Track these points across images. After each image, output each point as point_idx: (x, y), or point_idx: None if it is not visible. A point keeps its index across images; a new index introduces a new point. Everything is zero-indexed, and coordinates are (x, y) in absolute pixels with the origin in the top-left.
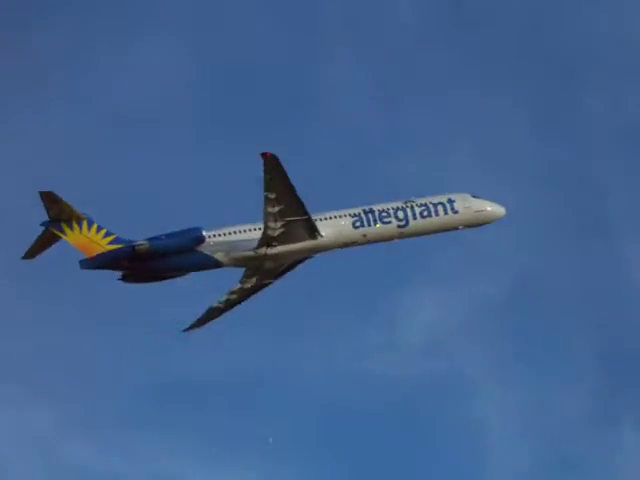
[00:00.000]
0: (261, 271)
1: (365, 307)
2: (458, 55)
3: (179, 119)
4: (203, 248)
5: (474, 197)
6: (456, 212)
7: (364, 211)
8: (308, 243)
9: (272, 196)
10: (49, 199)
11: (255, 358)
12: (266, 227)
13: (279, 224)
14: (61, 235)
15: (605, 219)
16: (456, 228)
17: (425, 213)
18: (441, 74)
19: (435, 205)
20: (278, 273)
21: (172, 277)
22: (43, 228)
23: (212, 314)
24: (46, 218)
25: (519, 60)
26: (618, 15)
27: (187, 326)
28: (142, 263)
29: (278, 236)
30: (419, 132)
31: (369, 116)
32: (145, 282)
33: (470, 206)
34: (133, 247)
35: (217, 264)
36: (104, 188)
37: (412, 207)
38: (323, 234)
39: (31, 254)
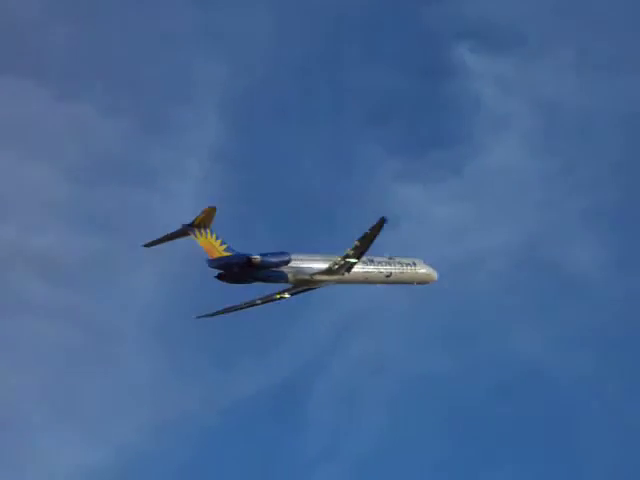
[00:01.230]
0: (298, 289)
1: None
2: None
3: None
4: (284, 268)
5: (424, 263)
6: (416, 272)
7: (369, 260)
8: (340, 277)
9: (358, 244)
10: (209, 212)
11: None
12: (334, 263)
13: (342, 262)
14: (194, 237)
15: None
16: (412, 283)
17: (401, 269)
18: None
19: (406, 264)
20: (300, 292)
21: (252, 283)
22: (179, 226)
23: (228, 310)
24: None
25: None
26: None
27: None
28: (247, 270)
29: (333, 269)
30: None
31: None
32: (233, 283)
33: (423, 269)
34: (249, 258)
35: (286, 280)
36: None
37: (394, 263)
38: (347, 273)
39: (153, 244)
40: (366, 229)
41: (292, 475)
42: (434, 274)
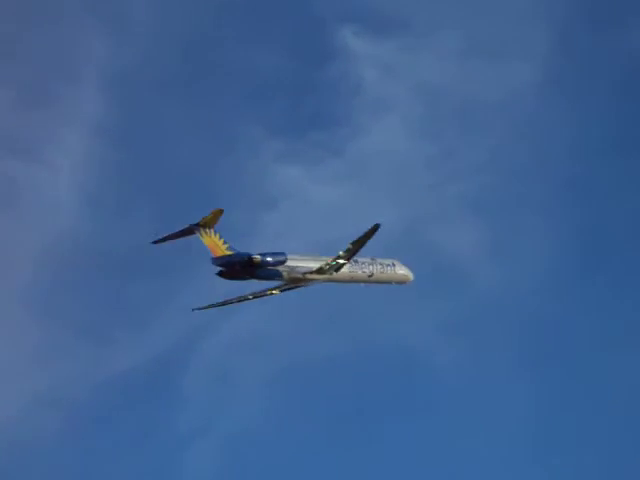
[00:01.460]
0: (289, 286)
1: None
2: None
3: None
4: (280, 267)
5: (401, 264)
6: (395, 273)
7: (355, 261)
8: (329, 277)
9: (350, 247)
10: (215, 214)
11: None
12: (326, 263)
13: (333, 263)
14: (199, 235)
15: None
16: (390, 283)
17: (381, 270)
18: None
19: (386, 265)
20: (289, 289)
21: (250, 279)
22: (187, 225)
23: (222, 304)
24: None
25: None
26: None
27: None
28: (247, 268)
29: (324, 269)
30: None
31: None
32: (231, 279)
33: (402, 270)
34: (250, 257)
35: (281, 278)
36: None
37: (375, 264)
38: (335, 273)
39: (161, 241)
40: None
41: (165, 451)
42: (411, 275)
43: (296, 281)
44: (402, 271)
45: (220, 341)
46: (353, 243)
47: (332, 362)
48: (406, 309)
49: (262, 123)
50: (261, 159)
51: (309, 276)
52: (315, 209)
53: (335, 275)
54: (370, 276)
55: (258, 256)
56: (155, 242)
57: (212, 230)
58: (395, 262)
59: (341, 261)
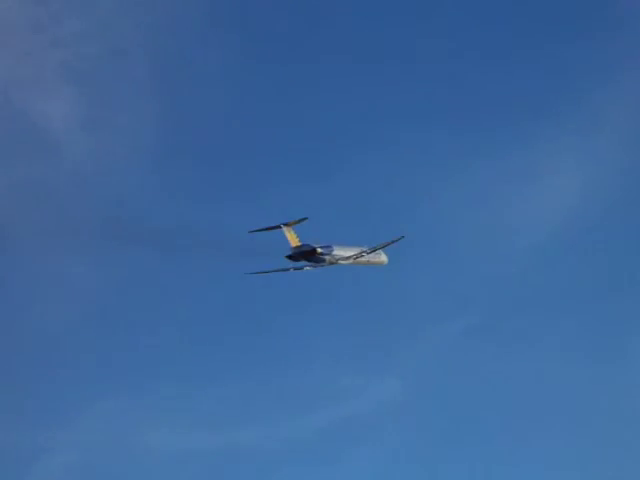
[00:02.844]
0: (317, 265)
1: None
2: None
3: None
4: (326, 255)
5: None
6: (379, 258)
7: (362, 250)
8: (352, 262)
9: (376, 247)
10: (299, 221)
11: None
12: (355, 254)
13: (360, 254)
14: (285, 231)
15: None
16: (375, 265)
17: (374, 256)
18: None
19: (375, 253)
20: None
21: (303, 261)
22: (281, 224)
23: (271, 271)
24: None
25: None
26: None
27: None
28: (309, 255)
29: (351, 257)
30: None
31: None
32: (294, 261)
33: (383, 256)
34: (314, 248)
35: (324, 262)
36: None
37: (370, 252)
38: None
39: (256, 231)
40: None
41: None
42: (386, 259)
43: (330, 263)
44: (383, 257)
45: None
46: (380, 246)
47: None
48: None
49: None
50: None
51: (340, 261)
52: None
53: (354, 261)
54: (367, 260)
55: (320, 248)
56: (251, 232)
57: (292, 228)
58: (381, 252)
59: (365, 254)
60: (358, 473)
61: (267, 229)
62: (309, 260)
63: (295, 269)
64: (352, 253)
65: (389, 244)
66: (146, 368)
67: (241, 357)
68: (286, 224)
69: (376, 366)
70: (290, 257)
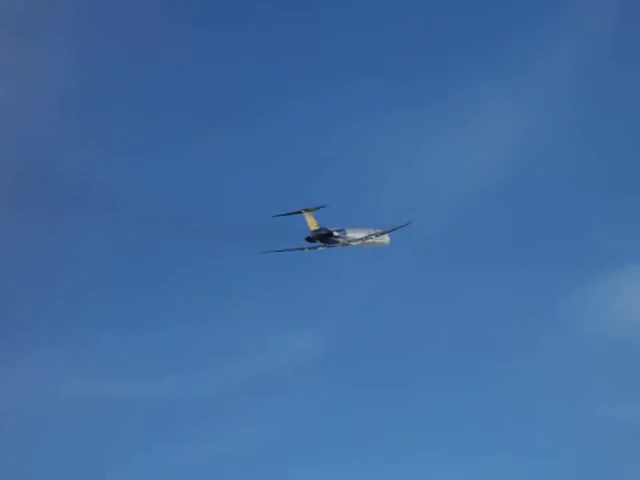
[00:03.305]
0: (330, 245)
1: None
2: None
3: None
4: (341, 238)
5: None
6: (383, 239)
7: (368, 233)
8: (361, 243)
9: (385, 230)
10: (317, 208)
11: None
12: (365, 237)
13: (369, 237)
14: (306, 215)
15: None
16: (379, 245)
17: (378, 238)
18: None
19: (379, 235)
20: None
21: (318, 242)
22: (301, 209)
23: (284, 250)
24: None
25: None
26: None
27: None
28: (325, 237)
29: (361, 239)
30: None
31: None
32: (314, 246)
33: (386, 238)
34: (331, 232)
35: (337, 244)
36: None
37: (376, 234)
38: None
39: (280, 215)
40: None
41: None
42: (388, 240)
43: (343, 245)
44: (386, 238)
45: None
46: (387, 230)
47: None
48: None
49: None
50: None
51: (351, 243)
52: None
53: (363, 242)
54: (374, 242)
55: (336, 232)
56: (275, 216)
57: (312, 214)
58: (385, 233)
59: (373, 237)
60: (274, 426)
61: (292, 213)
62: (325, 242)
63: (310, 249)
64: (362, 235)
65: (396, 229)
66: (67, 316)
67: (165, 309)
68: (307, 210)
69: (300, 319)
70: (308, 239)
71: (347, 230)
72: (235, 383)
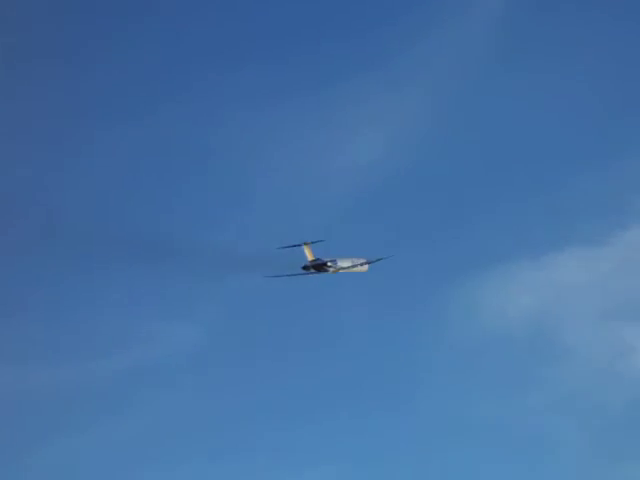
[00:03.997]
0: (320, 272)
1: None
2: None
3: None
4: (331, 267)
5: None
6: (364, 267)
7: (354, 261)
8: (347, 270)
9: (372, 260)
10: (315, 242)
11: None
12: (351, 265)
13: (354, 265)
14: (305, 248)
15: None
16: (359, 271)
17: (361, 266)
18: None
19: (361, 264)
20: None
21: (312, 271)
22: (303, 242)
23: (283, 275)
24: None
25: None
26: None
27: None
28: (319, 267)
29: (348, 267)
30: None
31: None
32: (308, 273)
33: (365, 266)
34: (325, 262)
35: (328, 272)
36: None
37: (360, 262)
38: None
39: (284, 248)
40: None
41: None
42: (367, 267)
43: (332, 272)
44: (366, 266)
45: None
46: (374, 261)
47: None
48: None
49: None
50: None
51: (340, 270)
52: None
53: (349, 269)
54: (357, 270)
55: (329, 262)
56: (279, 248)
57: (309, 246)
58: (362, 261)
59: (359, 265)
60: (151, 419)
61: (294, 246)
62: (319, 270)
63: (304, 274)
64: (349, 264)
65: (380, 260)
66: None
67: (42, 299)
68: (306, 243)
69: (179, 312)
70: (304, 267)
71: (337, 260)
72: (105, 376)
